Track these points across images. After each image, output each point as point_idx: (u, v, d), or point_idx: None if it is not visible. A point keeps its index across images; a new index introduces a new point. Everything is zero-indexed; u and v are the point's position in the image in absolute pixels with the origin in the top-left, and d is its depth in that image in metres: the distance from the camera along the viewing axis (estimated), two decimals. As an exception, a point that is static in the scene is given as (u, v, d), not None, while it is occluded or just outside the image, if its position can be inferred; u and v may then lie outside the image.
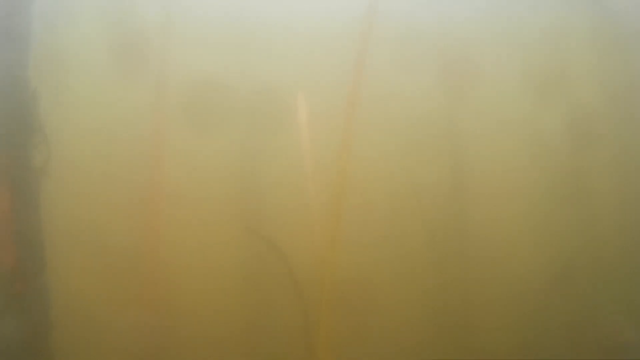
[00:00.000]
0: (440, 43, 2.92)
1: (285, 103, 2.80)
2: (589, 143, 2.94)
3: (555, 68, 2.94)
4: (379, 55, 2.82)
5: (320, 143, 2.75)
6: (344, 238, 2.68)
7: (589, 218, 2.87)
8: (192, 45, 2.79)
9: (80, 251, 2.73)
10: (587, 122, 2.94)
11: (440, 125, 2.89)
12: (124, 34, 2.82)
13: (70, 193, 2.74)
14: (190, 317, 2.72)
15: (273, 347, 2.66)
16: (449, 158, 2.91)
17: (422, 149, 2.86)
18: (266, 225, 2.76)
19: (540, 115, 2.94)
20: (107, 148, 2.75)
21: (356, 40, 2.79)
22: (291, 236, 2.71)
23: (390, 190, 2.80)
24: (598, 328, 2.44)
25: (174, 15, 2.78)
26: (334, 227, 2.68)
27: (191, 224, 2.75)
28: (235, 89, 2.78)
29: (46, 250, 2.59)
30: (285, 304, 2.73)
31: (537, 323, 2.65)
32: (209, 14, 2.83)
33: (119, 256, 2.72)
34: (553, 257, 2.75)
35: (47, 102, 2.61)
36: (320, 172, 2.70)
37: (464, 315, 2.73)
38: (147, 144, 2.73)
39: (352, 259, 2.67)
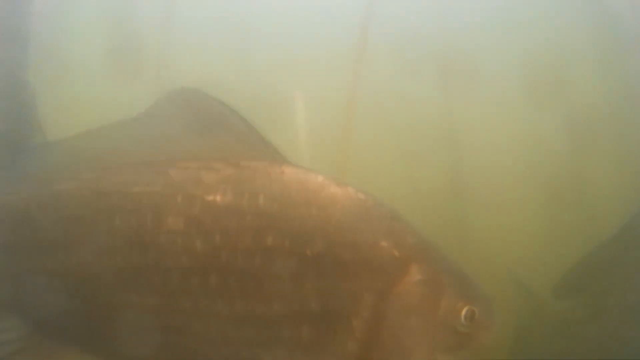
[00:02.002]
0: (439, 44, 2.92)
1: (284, 103, 2.80)
2: (589, 143, 2.93)
3: (555, 69, 2.94)
4: (379, 56, 2.82)
5: (319, 143, 2.74)
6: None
7: (588, 217, 2.86)
8: (192, 46, 2.79)
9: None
10: (587, 123, 2.93)
11: (440, 126, 2.89)
12: (123, 35, 2.82)
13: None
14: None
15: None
16: (449, 158, 2.90)
17: (422, 149, 2.86)
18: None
19: (540, 116, 2.94)
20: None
21: (355, 41, 2.79)
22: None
23: (390, 190, 2.79)
24: (599, 327, 2.43)
25: (173, 16, 2.78)
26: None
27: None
28: (235, 90, 2.77)
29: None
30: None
31: (537, 324, 2.63)
32: (209, 15, 2.83)
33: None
34: (553, 256, 2.74)
35: (47, 102, 2.61)
36: (319, 172, 2.69)
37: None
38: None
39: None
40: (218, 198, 1.45)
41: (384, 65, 2.82)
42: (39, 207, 1.52)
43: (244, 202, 1.44)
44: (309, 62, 2.82)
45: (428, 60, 2.93)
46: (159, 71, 2.74)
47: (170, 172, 1.49)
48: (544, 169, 2.94)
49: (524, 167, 2.92)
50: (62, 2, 2.80)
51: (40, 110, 2.59)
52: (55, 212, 1.51)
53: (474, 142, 2.92)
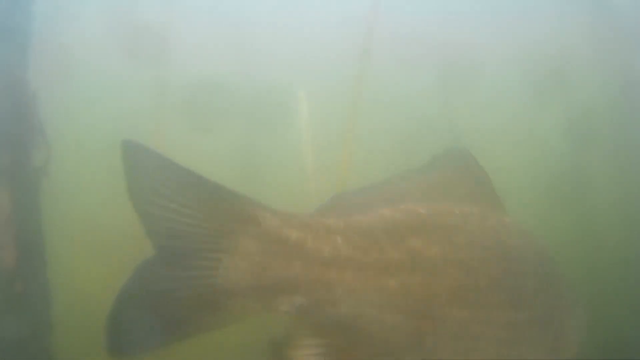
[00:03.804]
0: (440, 43, 2.92)
1: (286, 103, 2.80)
2: (589, 143, 2.94)
3: (555, 68, 2.95)
4: (381, 56, 2.83)
5: (321, 142, 2.75)
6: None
7: (588, 217, 2.88)
8: (194, 46, 2.79)
9: (80, 251, 2.73)
10: (587, 122, 2.95)
11: (440, 125, 2.90)
12: (124, 34, 2.82)
13: (70, 193, 2.74)
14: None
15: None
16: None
17: (423, 149, 2.86)
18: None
19: (540, 115, 2.95)
20: (107, 148, 2.75)
21: (358, 41, 2.79)
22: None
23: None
24: (600, 326, 2.45)
25: (175, 15, 2.78)
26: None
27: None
28: (237, 89, 2.78)
29: (46, 250, 2.58)
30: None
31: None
32: (210, 14, 2.83)
33: (119, 256, 2.72)
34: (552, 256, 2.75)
35: (47, 102, 2.61)
36: (321, 171, 2.70)
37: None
38: (147, 143, 2.73)
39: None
40: (503, 238, 1.84)
41: (387, 65, 2.83)
42: (357, 228, 1.71)
43: (513, 242, 1.85)
44: (311, 60, 2.83)
45: (429, 58, 2.94)
46: (161, 70, 2.74)
47: (466, 214, 1.84)
48: (544, 168, 2.96)
49: (524, 166, 2.93)
50: (62, 3, 2.79)
51: (40, 110, 2.59)
52: (370, 233, 1.72)
53: (475, 141, 2.93)
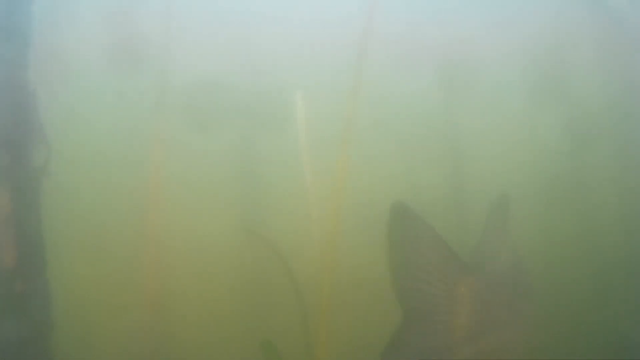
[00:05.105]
0: (440, 43, 2.92)
1: (285, 103, 2.81)
2: (588, 143, 2.94)
3: (555, 68, 2.94)
4: (379, 56, 2.83)
5: (320, 143, 2.75)
6: (344, 238, 2.68)
7: (588, 217, 2.87)
8: (193, 46, 2.79)
9: (80, 251, 2.73)
10: (587, 122, 2.94)
11: (440, 125, 2.89)
12: (124, 34, 2.82)
13: (70, 193, 2.74)
14: (188, 317, 2.72)
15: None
16: (449, 158, 2.91)
17: (422, 149, 2.86)
18: (266, 225, 2.76)
19: (540, 115, 2.94)
20: (107, 148, 2.76)
21: (356, 41, 2.79)
22: (291, 236, 2.72)
23: (390, 190, 2.80)
24: (600, 327, 2.45)
25: (174, 15, 2.78)
26: (333, 226, 2.68)
27: (191, 224, 2.75)
28: (235, 89, 2.78)
29: (46, 250, 2.59)
30: (285, 305, 2.73)
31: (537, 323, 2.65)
32: (210, 14, 2.84)
33: (118, 256, 2.72)
34: (552, 255, 2.75)
35: (47, 102, 2.62)
36: (319, 172, 2.70)
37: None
38: (147, 143, 2.74)
39: (351, 259, 2.67)
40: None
41: (386, 66, 2.83)
42: None
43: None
44: (310, 61, 2.83)
45: (429, 58, 2.94)
46: (161, 70, 2.75)
47: None
48: (545, 166, 2.95)
49: (524, 164, 2.92)
50: (62, 3, 2.80)
51: (40, 110, 2.60)
52: None
53: (475, 140, 2.93)
